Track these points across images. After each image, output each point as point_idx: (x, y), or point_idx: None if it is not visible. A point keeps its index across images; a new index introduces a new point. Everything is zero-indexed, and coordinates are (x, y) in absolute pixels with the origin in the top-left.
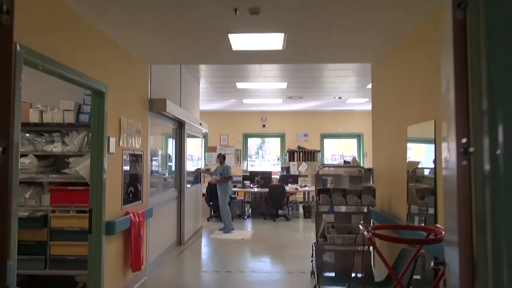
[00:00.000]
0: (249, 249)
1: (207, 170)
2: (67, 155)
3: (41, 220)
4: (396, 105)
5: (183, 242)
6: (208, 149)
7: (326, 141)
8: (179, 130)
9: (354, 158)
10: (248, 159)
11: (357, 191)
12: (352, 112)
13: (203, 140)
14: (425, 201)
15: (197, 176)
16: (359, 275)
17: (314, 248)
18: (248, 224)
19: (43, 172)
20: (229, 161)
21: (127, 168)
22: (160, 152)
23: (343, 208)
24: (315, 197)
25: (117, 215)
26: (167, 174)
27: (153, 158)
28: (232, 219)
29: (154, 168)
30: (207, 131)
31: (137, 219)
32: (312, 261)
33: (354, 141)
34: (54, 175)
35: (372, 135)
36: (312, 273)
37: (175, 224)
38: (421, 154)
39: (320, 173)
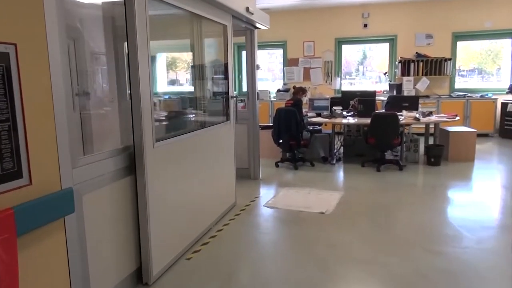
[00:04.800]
0: (331, 246)
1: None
2: None
3: None
4: None
5: (149, 275)
6: (287, 62)
7: (460, 44)
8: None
9: None
10: (347, 77)
11: None
12: None
13: (283, 51)
14: None
15: (226, 107)
16: None
17: None
18: (337, 174)
19: None
20: (317, 77)
21: None
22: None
23: None
24: None
25: None
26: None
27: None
28: (311, 164)
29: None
30: (265, 26)
31: None
32: None
33: (504, 44)
34: None
35: None
36: None
37: (131, 232)
38: None
39: None
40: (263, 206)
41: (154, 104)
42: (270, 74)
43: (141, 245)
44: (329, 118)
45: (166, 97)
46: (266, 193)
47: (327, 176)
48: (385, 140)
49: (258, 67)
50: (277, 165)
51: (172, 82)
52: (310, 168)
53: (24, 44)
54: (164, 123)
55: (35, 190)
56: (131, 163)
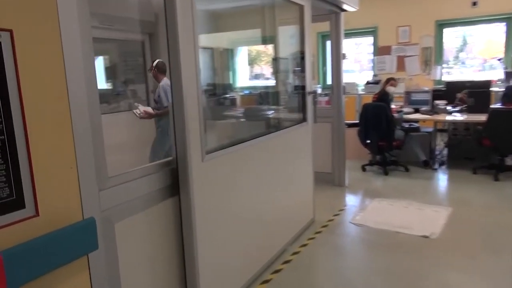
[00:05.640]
0: None
1: None
2: None
3: None
4: None
5: None
6: (378, 51)
7: None
8: None
9: None
10: (443, 65)
11: None
12: None
13: (373, 38)
14: None
15: (302, 105)
16: None
17: None
18: (440, 183)
19: None
20: (412, 66)
21: None
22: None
23: None
24: None
25: None
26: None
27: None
28: (405, 169)
29: None
30: (353, 7)
31: None
32: None
33: None
34: None
35: None
36: None
37: (178, 267)
38: None
39: None
40: (350, 222)
41: (233, 99)
42: (357, 66)
43: (187, 282)
44: (430, 115)
45: (247, 92)
46: (352, 205)
47: (427, 185)
48: (507, 142)
49: (344, 56)
50: (364, 169)
51: (255, 77)
52: (404, 173)
53: (25, 30)
54: (231, 123)
55: (44, 223)
56: (176, 181)
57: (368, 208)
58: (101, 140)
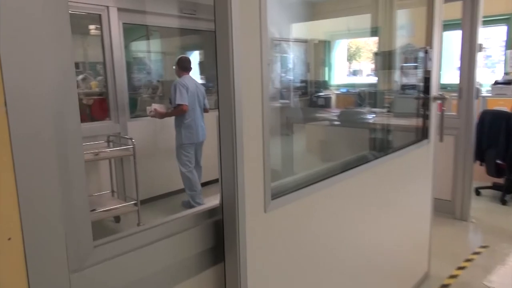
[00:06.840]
0: None
1: None
2: None
3: None
4: None
5: None
6: None
7: None
8: None
9: None
10: None
11: None
12: None
13: (507, 28)
14: None
15: (423, 115)
16: None
17: None
18: None
19: None
20: None
21: None
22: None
23: None
24: None
25: None
26: None
27: None
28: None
29: None
30: None
31: None
32: None
33: None
34: None
35: None
36: None
37: None
38: None
39: None
40: (483, 284)
41: (328, 98)
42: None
43: None
44: None
45: (343, 90)
46: (483, 253)
47: None
48: None
49: (480, 48)
50: (478, 193)
51: (353, 73)
52: None
53: None
54: (323, 129)
55: None
56: (218, 242)
57: (509, 262)
58: (79, 175)
